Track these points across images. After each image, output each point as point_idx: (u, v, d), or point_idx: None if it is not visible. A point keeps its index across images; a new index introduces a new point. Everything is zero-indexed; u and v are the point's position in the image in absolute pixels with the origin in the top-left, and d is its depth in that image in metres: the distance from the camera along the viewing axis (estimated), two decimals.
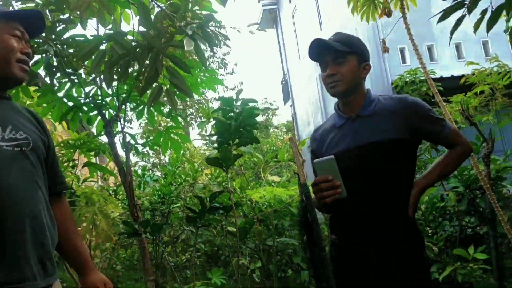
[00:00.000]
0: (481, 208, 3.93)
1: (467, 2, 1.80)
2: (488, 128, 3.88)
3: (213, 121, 3.63)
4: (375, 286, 1.75)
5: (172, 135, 3.88)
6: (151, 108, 3.72)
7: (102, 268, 5.45)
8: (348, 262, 1.83)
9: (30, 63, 1.66)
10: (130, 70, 2.89)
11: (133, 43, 2.51)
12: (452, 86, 5.97)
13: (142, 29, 2.70)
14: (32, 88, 3.72)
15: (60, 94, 3.48)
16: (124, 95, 3.52)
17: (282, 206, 4.22)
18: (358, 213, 1.77)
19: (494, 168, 3.88)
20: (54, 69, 3.06)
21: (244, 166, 5.63)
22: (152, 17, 2.59)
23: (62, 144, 3.91)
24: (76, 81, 3.36)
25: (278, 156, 5.07)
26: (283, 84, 17.92)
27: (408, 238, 1.75)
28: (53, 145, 1.68)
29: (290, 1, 15.83)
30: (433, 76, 4.73)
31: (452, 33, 1.85)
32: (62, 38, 3.05)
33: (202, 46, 2.48)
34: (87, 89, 3.50)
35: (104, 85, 3.22)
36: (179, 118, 4.08)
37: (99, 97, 3.50)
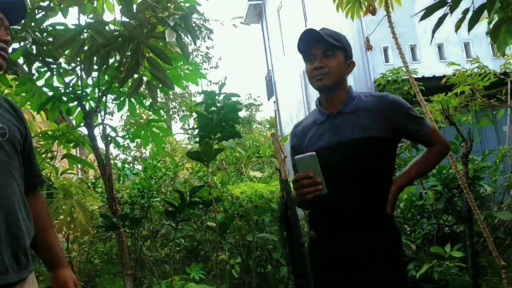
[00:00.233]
0: (458, 207, 3.99)
1: (449, 1, 1.81)
2: (467, 128, 3.94)
3: (195, 115, 3.60)
4: (353, 282, 1.75)
5: (153, 128, 3.84)
6: (133, 100, 3.67)
7: (80, 261, 5.39)
8: (327, 258, 1.83)
9: (9, 50, 1.61)
10: (111, 60, 2.85)
11: (115, 33, 2.46)
12: (434, 86, 6.04)
13: (124, 19, 2.66)
14: (10, 77, 3.63)
15: (40, 83, 3.40)
16: (105, 86, 3.47)
17: (262, 202, 4.21)
18: (337, 209, 1.78)
19: (472, 167, 3.94)
20: (33, 58, 2.99)
21: (226, 161, 5.62)
22: (135, 7, 2.54)
23: (40, 135, 3.83)
24: (56, 70, 3.29)
25: (260, 152, 5.07)
26: (267, 80, 17.92)
27: (386, 235, 1.76)
28: (31, 137, 1.64)
29: None
30: (415, 76, 4.79)
31: (434, 31, 1.86)
32: (41, 26, 2.98)
33: (184, 38, 2.45)
34: (67, 79, 3.43)
35: (84, 75, 3.16)
36: (161, 111, 4.03)
37: (79, 88, 3.44)
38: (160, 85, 2.95)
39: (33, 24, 2.92)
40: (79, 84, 3.45)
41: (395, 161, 1.87)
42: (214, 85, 21.95)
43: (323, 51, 1.80)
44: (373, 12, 4.03)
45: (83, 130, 3.75)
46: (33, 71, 3.23)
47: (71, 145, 3.92)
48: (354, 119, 1.80)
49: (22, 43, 2.91)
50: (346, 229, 1.77)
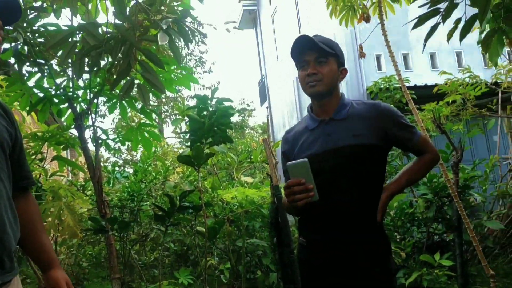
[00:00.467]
0: (448, 216, 4.00)
1: (441, 11, 1.82)
2: (458, 137, 3.96)
3: (187, 119, 3.58)
4: None
5: (144, 132, 3.82)
6: (124, 103, 3.65)
7: (68, 264, 5.34)
8: (316, 264, 1.82)
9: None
10: (103, 63, 2.83)
11: (107, 35, 2.44)
12: (426, 94, 6.08)
13: (118, 22, 2.64)
14: (0, 77, 3.60)
15: (30, 83, 3.37)
16: (96, 89, 3.44)
17: (253, 207, 4.20)
18: (328, 215, 1.77)
19: (463, 176, 3.96)
20: (24, 58, 2.96)
21: (217, 166, 5.60)
22: (128, 9, 2.53)
23: (30, 136, 3.79)
24: (47, 71, 3.27)
25: (252, 157, 5.06)
26: (260, 86, 17.95)
27: (375, 242, 1.76)
28: (21, 139, 1.62)
29: (270, 3, 15.85)
30: (407, 84, 4.81)
31: (426, 40, 1.87)
32: (33, 27, 2.96)
33: (177, 42, 2.44)
34: (59, 80, 3.41)
35: (75, 76, 3.14)
36: (153, 115, 4.01)
37: (70, 89, 3.41)
38: (152, 89, 2.93)
39: (25, 24, 2.90)
40: (71, 85, 3.42)
41: (385, 168, 1.88)
42: (207, 89, 21.93)
43: (316, 58, 1.81)
44: (367, 20, 4.05)
45: (74, 132, 3.73)
46: (24, 72, 3.20)
47: (61, 147, 3.88)
48: (345, 126, 1.80)
49: (13, 44, 2.88)
50: (336, 236, 1.76)
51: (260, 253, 4.37)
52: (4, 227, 1.38)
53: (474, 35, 2.38)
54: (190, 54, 22.70)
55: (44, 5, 2.92)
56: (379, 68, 9.78)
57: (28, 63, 3.09)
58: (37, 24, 2.99)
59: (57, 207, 3.55)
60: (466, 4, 1.80)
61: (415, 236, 4.28)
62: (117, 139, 3.93)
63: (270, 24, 15.96)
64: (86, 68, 2.62)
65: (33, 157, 3.94)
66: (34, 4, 2.93)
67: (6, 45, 2.98)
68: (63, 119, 3.77)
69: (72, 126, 3.59)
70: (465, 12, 1.84)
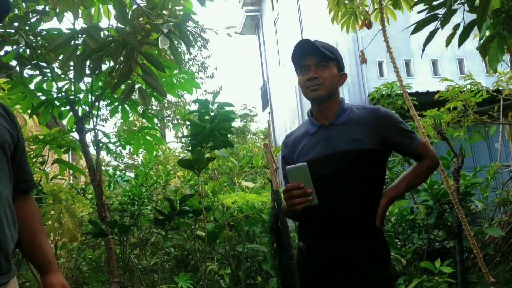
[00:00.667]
0: (449, 222, 3.99)
1: (440, 16, 1.83)
2: (459, 144, 3.96)
3: (189, 124, 3.59)
4: None
5: (146, 136, 3.82)
6: (126, 106, 3.66)
7: (68, 268, 5.32)
8: (315, 269, 1.82)
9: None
10: (104, 66, 2.84)
11: (108, 39, 2.46)
12: (427, 101, 6.08)
13: (119, 25, 2.65)
14: (2, 80, 3.61)
15: (32, 86, 3.38)
16: (98, 92, 3.45)
17: (253, 212, 4.19)
18: (327, 220, 1.77)
19: (464, 183, 3.95)
20: (25, 61, 2.97)
21: (218, 170, 5.60)
22: (130, 13, 2.54)
23: (31, 139, 3.80)
24: (49, 74, 3.28)
25: (253, 162, 5.06)
26: (262, 91, 17.98)
27: (375, 247, 1.76)
28: (23, 141, 1.62)
29: (273, 9, 15.92)
30: (409, 91, 4.81)
31: (424, 45, 1.88)
32: (36, 30, 2.98)
33: (179, 46, 2.45)
34: (60, 83, 3.42)
35: (76, 80, 3.15)
36: (155, 119, 4.02)
37: (72, 92, 3.42)
38: (154, 93, 2.94)
39: (27, 28, 2.92)
40: (72, 88, 3.44)
41: (385, 173, 1.87)
42: (210, 94, 21.95)
43: (317, 62, 1.81)
44: (369, 26, 4.06)
45: (75, 135, 3.74)
46: (26, 75, 3.21)
47: (62, 150, 3.89)
48: (345, 130, 1.80)
49: (15, 46, 2.89)
50: (335, 240, 1.76)
51: (261, 259, 4.36)
52: (2, 228, 1.38)
53: (475, 42, 2.38)
54: (193, 59, 22.76)
55: (47, 8, 2.94)
56: (381, 74, 9.79)
57: (29, 66, 3.10)
58: (39, 28, 3.00)
59: (57, 210, 3.55)
60: (464, 10, 1.80)
61: (415, 243, 4.26)
62: (119, 143, 3.93)
63: (273, 30, 16.01)
64: (88, 71, 2.63)
65: (34, 160, 3.95)
66: (37, 7, 2.95)
67: (8, 48, 3.00)
68: (64, 122, 3.77)
69: (74, 129, 3.60)
70: (463, 18, 1.85)
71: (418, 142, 1.82)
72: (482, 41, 1.84)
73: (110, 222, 3.33)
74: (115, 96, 3.43)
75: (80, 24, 3.10)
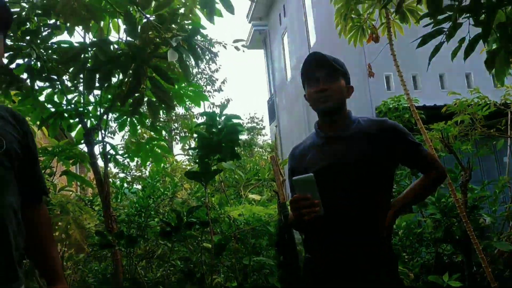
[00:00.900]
0: (457, 236, 3.95)
1: (445, 30, 1.85)
2: (467, 157, 3.94)
3: (196, 136, 3.61)
4: None
5: (154, 148, 3.85)
6: (134, 119, 3.69)
7: (74, 280, 5.32)
8: (322, 280, 1.81)
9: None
10: (114, 79, 2.88)
11: (118, 52, 2.50)
12: (435, 115, 6.06)
13: (130, 39, 2.70)
14: (13, 92, 3.66)
15: (42, 98, 3.43)
16: (107, 104, 3.49)
17: (260, 225, 4.18)
18: (334, 231, 1.77)
19: (471, 197, 3.92)
20: (36, 74, 3.02)
21: (225, 183, 5.60)
22: (139, 27, 2.58)
23: (40, 151, 3.84)
24: (59, 87, 3.32)
25: (260, 175, 5.06)
26: (269, 104, 18.02)
27: (382, 258, 1.75)
28: (35, 149, 1.63)
29: (280, 23, 16.03)
30: (416, 104, 4.81)
31: (430, 59, 1.89)
32: (47, 43, 3.03)
33: (188, 60, 2.48)
34: (70, 96, 3.47)
35: (86, 92, 3.19)
36: (163, 132, 4.05)
37: (81, 105, 3.46)
38: (162, 105, 2.97)
39: (38, 41, 2.97)
40: (81, 101, 3.48)
41: (392, 185, 1.88)
42: (217, 108, 22.05)
43: (326, 75, 1.84)
44: (376, 39, 4.09)
45: (84, 147, 3.77)
46: (36, 87, 3.26)
47: (71, 162, 3.92)
48: (352, 142, 1.81)
49: (26, 59, 2.94)
50: (343, 251, 1.76)
51: (267, 272, 4.33)
52: (8, 237, 1.39)
53: (483, 56, 2.39)
54: (201, 73, 22.92)
55: (58, 23, 2.99)
56: (388, 87, 9.78)
57: (40, 78, 3.15)
58: (50, 41, 3.06)
59: (64, 222, 3.57)
60: (470, 23, 1.82)
61: (423, 257, 4.22)
62: (127, 155, 3.96)
63: (280, 44, 16.11)
64: (97, 84, 2.67)
65: (43, 171, 3.98)
66: (49, 21, 3.00)
67: (19, 61, 3.05)
68: (72, 134, 3.81)
69: (82, 141, 3.63)
70: (468, 32, 1.86)
71: (425, 154, 1.83)
72: (488, 55, 1.85)
73: (117, 233, 3.34)
74: (124, 109, 3.46)
75: (90, 37, 3.15)
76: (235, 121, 3.47)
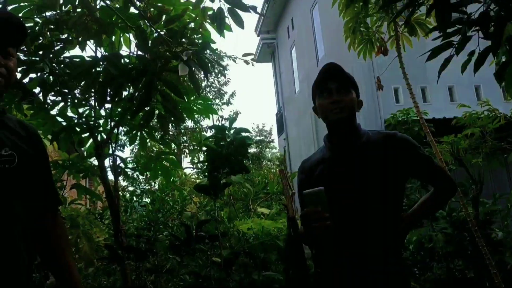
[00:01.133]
0: (469, 251, 3.91)
1: (454, 43, 1.85)
2: (478, 171, 3.90)
3: (205, 149, 3.62)
4: None
5: (164, 162, 3.86)
6: (144, 133, 3.71)
7: None
8: None
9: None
10: (124, 93, 2.90)
11: (129, 66, 2.52)
12: (444, 128, 6.02)
13: (140, 53, 2.73)
14: (25, 106, 3.70)
15: (53, 112, 3.47)
16: (117, 118, 3.52)
17: (269, 239, 4.16)
18: (344, 245, 1.75)
19: (483, 211, 3.88)
20: (49, 88, 3.06)
21: (234, 196, 5.59)
22: (150, 41, 2.62)
23: (51, 164, 3.87)
24: (70, 101, 3.36)
25: (268, 188, 5.05)
26: (278, 117, 18.06)
27: (394, 271, 1.73)
28: (47, 161, 1.65)
29: (288, 37, 16.14)
30: (425, 117, 4.79)
31: (440, 72, 1.89)
32: (59, 58, 3.07)
33: (197, 73, 2.50)
34: (81, 110, 3.50)
35: (97, 105, 3.22)
36: (172, 145, 4.06)
37: (92, 118, 3.49)
38: (172, 118, 2.99)
39: (51, 55, 3.01)
40: (92, 115, 3.51)
41: (403, 198, 1.86)
42: (226, 121, 22.09)
43: (339, 86, 1.84)
44: (385, 52, 4.09)
45: (94, 161, 3.79)
46: (48, 101, 3.30)
47: (81, 175, 3.94)
48: (362, 155, 1.81)
49: (39, 73, 2.98)
50: (354, 266, 1.74)
51: (276, 286, 4.29)
52: (18, 251, 1.40)
53: (492, 69, 2.38)
54: (210, 86, 23.04)
55: (70, 37, 3.04)
56: (397, 100, 9.77)
57: (52, 92, 3.19)
58: (62, 55, 3.10)
59: (74, 235, 3.59)
60: (479, 37, 1.81)
61: (435, 272, 4.17)
62: (137, 169, 3.97)
63: (288, 57, 16.19)
64: (108, 98, 2.69)
65: None
66: (61, 36, 3.05)
67: (32, 75, 3.09)
68: (84, 148, 3.83)
69: (93, 155, 3.65)
70: (478, 45, 1.86)
71: (435, 167, 1.82)
72: (497, 67, 1.84)
73: (126, 247, 3.34)
74: (134, 122, 3.49)
75: (102, 51, 3.19)
76: (244, 134, 3.48)
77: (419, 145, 1.85)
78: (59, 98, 3.28)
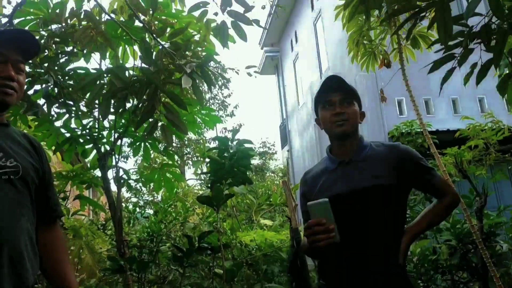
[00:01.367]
0: (474, 263, 3.87)
1: (456, 55, 1.86)
2: (482, 182, 3.89)
3: (208, 160, 3.63)
4: None
5: (166, 173, 3.87)
6: (147, 144, 3.73)
7: None
8: None
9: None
10: (128, 104, 2.93)
11: (133, 78, 2.55)
12: (448, 140, 6.02)
13: (145, 66, 2.75)
14: (30, 118, 3.73)
15: (58, 124, 3.49)
16: (121, 130, 3.54)
17: (272, 251, 4.14)
18: (348, 257, 1.74)
19: (487, 223, 3.86)
20: (53, 99, 3.09)
21: (237, 208, 5.58)
22: (154, 54, 2.64)
23: (54, 175, 3.88)
24: (74, 113, 3.38)
25: (271, 199, 5.04)
26: (281, 129, 18.08)
27: (397, 284, 1.72)
28: (50, 173, 1.67)
29: (292, 49, 16.22)
30: (429, 129, 4.79)
31: (442, 84, 1.90)
32: (64, 70, 3.10)
33: (201, 85, 2.52)
34: (85, 121, 3.52)
35: (101, 117, 3.24)
36: (175, 156, 4.08)
37: (96, 130, 3.51)
38: (175, 130, 3.00)
39: (56, 68, 3.05)
40: (96, 126, 3.53)
41: (406, 210, 1.86)
42: (229, 132, 22.14)
43: (343, 99, 1.85)
44: (388, 65, 4.11)
45: (98, 172, 3.80)
46: (52, 112, 3.32)
47: (84, 186, 3.96)
48: (365, 167, 1.81)
49: (44, 85, 3.01)
50: (357, 277, 1.73)
51: None
52: (24, 262, 1.41)
53: (496, 80, 2.39)
54: (213, 98, 23.15)
55: (75, 50, 3.07)
56: (401, 112, 9.78)
57: (57, 104, 3.21)
58: (67, 68, 3.13)
59: (77, 246, 3.59)
60: (481, 49, 1.82)
61: (439, 284, 4.13)
62: (140, 180, 3.98)
63: (292, 69, 16.26)
64: (112, 109, 2.71)
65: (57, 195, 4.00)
66: (66, 48, 3.09)
67: (37, 87, 3.12)
68: (87, 159, 3.85)
69: (96, 166, 3.67)
70: (480, 57, 1.87)
71: (439, 178, 1.82)
72: (500, 80, 1.85)
73: (129, 258, 3.33)
74: (138, 134, 3.50)
75: (106, 64, 3.22)
76: (247, 146, 3.49)
77: (421, 156, 1.85)
78: (64, 110, 3.31)
